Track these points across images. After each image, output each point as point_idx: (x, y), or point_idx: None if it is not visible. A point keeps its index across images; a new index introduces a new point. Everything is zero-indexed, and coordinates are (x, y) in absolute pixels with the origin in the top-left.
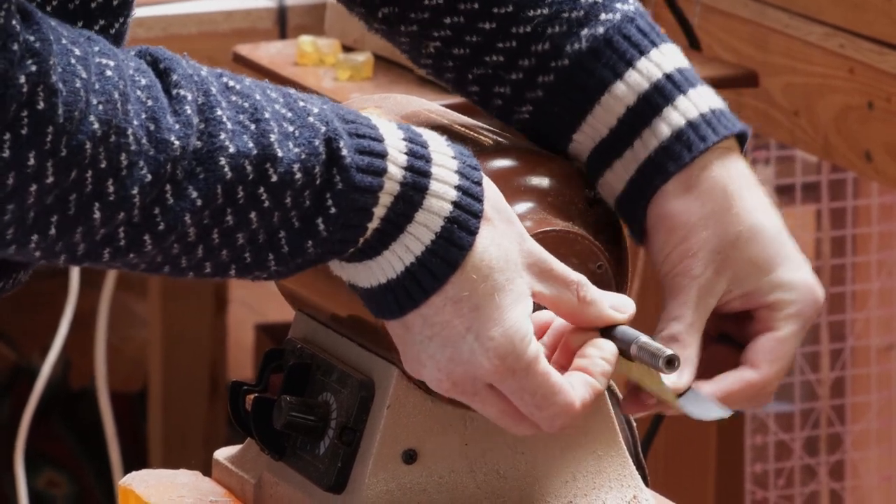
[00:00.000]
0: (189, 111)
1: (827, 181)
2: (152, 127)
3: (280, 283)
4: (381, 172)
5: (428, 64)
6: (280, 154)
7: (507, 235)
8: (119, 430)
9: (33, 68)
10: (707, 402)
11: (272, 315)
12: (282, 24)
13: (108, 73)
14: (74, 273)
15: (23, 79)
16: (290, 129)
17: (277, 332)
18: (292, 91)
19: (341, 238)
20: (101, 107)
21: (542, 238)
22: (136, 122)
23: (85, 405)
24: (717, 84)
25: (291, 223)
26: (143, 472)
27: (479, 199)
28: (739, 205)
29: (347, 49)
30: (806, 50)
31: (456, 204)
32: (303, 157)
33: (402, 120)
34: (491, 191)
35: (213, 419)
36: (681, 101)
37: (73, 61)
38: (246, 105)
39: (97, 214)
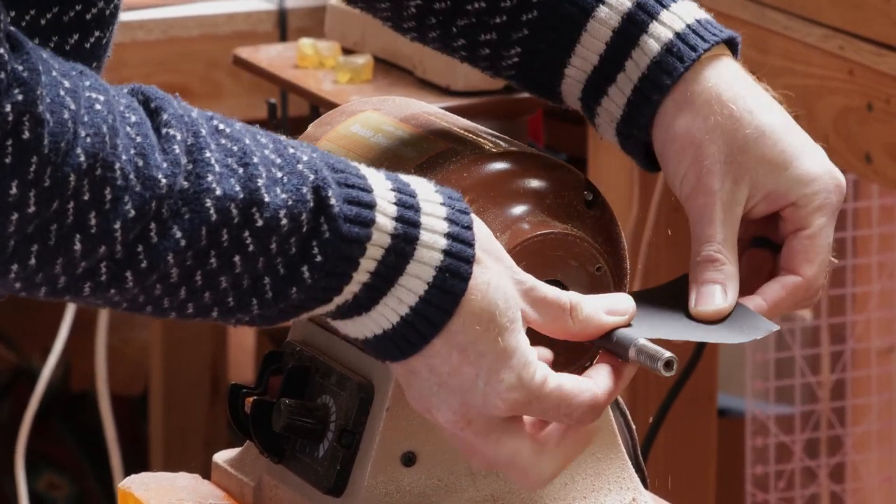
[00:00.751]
0: (178, 150)
1: None
2: (140, 163)
3: None
4: (370, 223)
5: (411, 27)
6: (267, 199)
7: (500, 273)
8: (120, 432)
9: (20, 97)
10: (755, 317)
11: None
12: (282, 27)
13: (98, 106)
14: None
15: (8, 107)
16: (279, 174)
17: (278, 335)
18: (282, 137)
19: (325, 286)
20: (88, 139)
21: (541, 241)
22: (124, 157)
23: (86, 407)
24: None
25: (276, 269)
26: (143, 474)
27: (471, 244)
28: (741, 108)
29: (347, 52)
30: (805, 51)
31: (447, 252)
32: (290, 203)
33: (401, 122)
34: (480, 231)
35: (214, 421)
36: (665, 14)
37: (62, 93)
38: (235, 148)
39: (78, 246)
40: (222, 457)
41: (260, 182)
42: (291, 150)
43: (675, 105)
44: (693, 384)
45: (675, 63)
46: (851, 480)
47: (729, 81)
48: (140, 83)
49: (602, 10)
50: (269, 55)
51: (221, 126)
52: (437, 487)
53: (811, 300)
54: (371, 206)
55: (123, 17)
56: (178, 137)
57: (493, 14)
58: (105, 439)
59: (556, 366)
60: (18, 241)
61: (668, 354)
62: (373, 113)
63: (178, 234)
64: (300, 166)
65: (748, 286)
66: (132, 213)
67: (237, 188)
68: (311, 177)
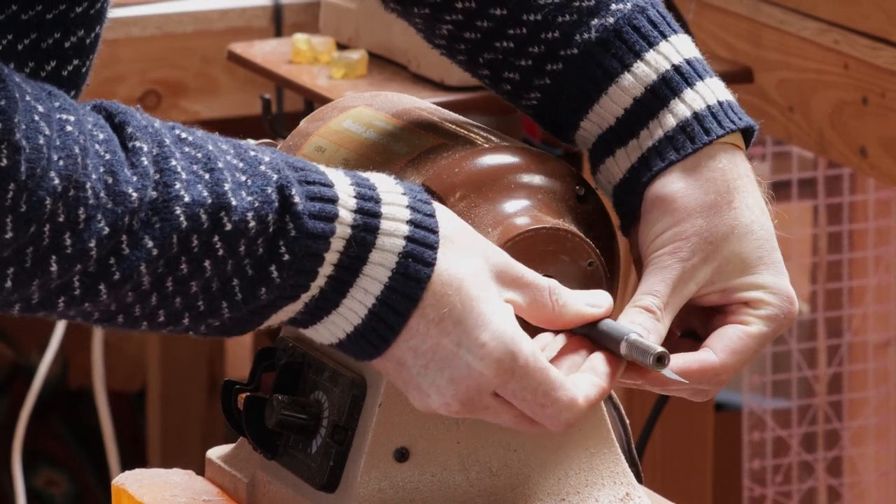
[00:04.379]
0: (146, 162)
1: (823, 177)
2: (110, 180)
3: None
4: (333, 217)
5: (441, 45)
6: (234, 203)
7: (471, 250)
8: (117, 428)
9: None
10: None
11: None
12: (277, 23)
13: (69, 128)
14: None
15: None
16: (243, 178)
17: (276, 331)
18: (242, 142)
19: (294, 283)
20: (61, 162)
21: (533, 235)
22: (94, 176)
23: (83, 404)
24: None
25: (245, 271)
26: (137, 471)
27: (434, 231)
28: (739, 201)
29: (342, 47)
30: (800, 45)
31: (409, 238)
32: (256, 205)
33: (392, 117)
34: (446, 216)
35: (212, 418)
36: (688, 93)
37: (36, 118)
38: (199, 156)
39: (54, 267)
40: (216, 453)
41: (226, 186)
42: (252, 153)
43: (679, 171)
44: None
45: (686, 142)
46: (848, 474)
47: (738, 171)
48: (136, 79)
49: (627, 78)
50: (264, 51)
51: (184, 135)
52: (430, 483)
53: (712, 389)
54: (333, 200)
55: (118, 12)
56: (145, 149)
57: (519, 56)
58: (102, 436)
59: None
60: None
61: (659, 349)
62: (365, 108)
63: (150, 244)
64: (262, 167)
65: None
66: (106, 230)
67: (205, 194)
68: (274, 177)
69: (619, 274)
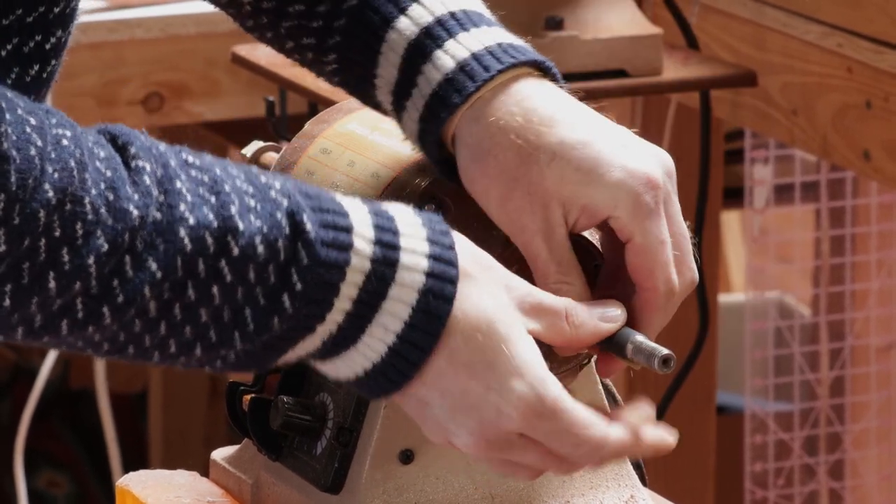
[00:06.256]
0: (148, 182)
1: (826, 180)
2: (111, 197)
3: None
4: (348, 247)
5: (250, 26)
6: (241, 227)
7: (492, 283)
8: (119, 430)
9: None
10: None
11: None
12: None
13: (65, 142)
14: None
15: None
16: (252, 202)
17: None
18: (252, 167)
19: (308, 313)
20: (56, 175)
21: None
22: (94, 192)
23: (85, 405)
24: (715, 83)
25: (256, 299)
26: (141, 472)
27: (454, 264)
28: (539, 128)
29: None
30: (804, 49)
31: (429, 274)
32: (265, 230)
33: None
34: (465, 245)
35: (214, 419)
36: (463, 36)
37: (28, 130)
38: (205, 178)
39: (52, 284)
40: (220, 454)
41: (233, 209)
42: (263, 179)
43: (472, 114)
44: (692, 381)
45: (466, 82)
46: (850, 478)
47: (539, 101)
48: (139, 81)
49: (402, 21)
50: (268, 53)
51: (191, 158)
52: (434, 485)
53: (675, 300)
54: (348, 230)
55: (122, 14)
56: (148, 169)
57: (311, 18)
58: (104, 437)
59: (554, 363)
60: None
61: (665, 351)
62: (370, 111)
63: (154, 266)
64: (272, 193)
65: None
66: (105, 246)
67: (210, 216)
68: (285, 203)
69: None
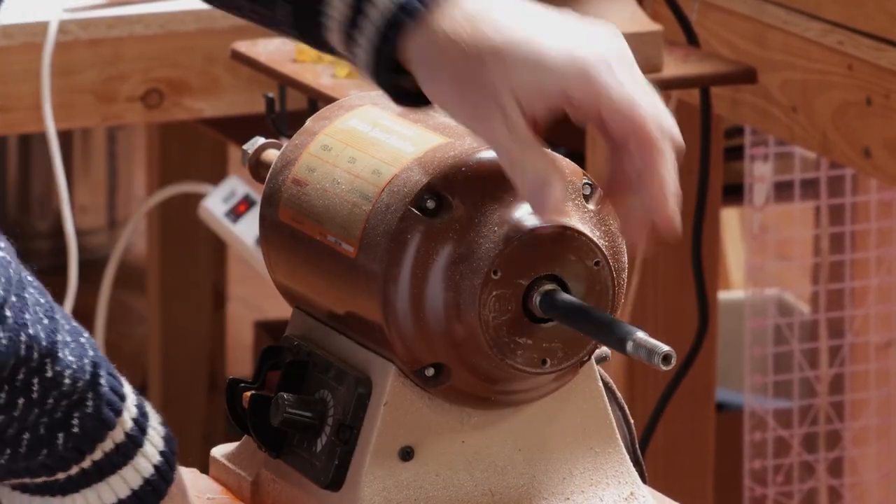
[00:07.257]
0: (2, 280)
1: (826, 178)
2: None
3: (276, 280)
4: (119, 412)
5: None
6: (60, 356)
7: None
8: None
9: None
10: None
11: (271, 312)
12: None
13: None
14: (73, 270)
15: None
16: (69, 338)
17: (276, 329)
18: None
19: (65, 457)
20: None
21: (540, 235)
22: None
23: None
24: (716, 80)
25: (38, 427)
26: None
27: (173, 469)
28: (483, 34)
29: None
30: (804, 46)
31: (157, 468)
32: (75, 366)
33: (398, 116)
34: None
35: (212, 416)
36: None
37: None
38: (42, 301)
39: None
40: (220, 451)
41: (58, 337)
42: (74, 323)
43: (423, 44)
44: (691, 378)
45: (415, 2)
46: (850, 475)
47: (478, 13)
48: (139, 78)
49: None
50: (268, 49)
51: (29, 277)
52: (434, 482)
53: (671, 148)
54: (123, 398)
55: (121, 11)
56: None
57: None
58: None
59: (554, 360)
60: None
61: (666, 348)
62: (371, 107)
63: None
64: (83, 339)
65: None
66: None
67: (42, 335)
68: (91, 352)
69: (625, 272)
